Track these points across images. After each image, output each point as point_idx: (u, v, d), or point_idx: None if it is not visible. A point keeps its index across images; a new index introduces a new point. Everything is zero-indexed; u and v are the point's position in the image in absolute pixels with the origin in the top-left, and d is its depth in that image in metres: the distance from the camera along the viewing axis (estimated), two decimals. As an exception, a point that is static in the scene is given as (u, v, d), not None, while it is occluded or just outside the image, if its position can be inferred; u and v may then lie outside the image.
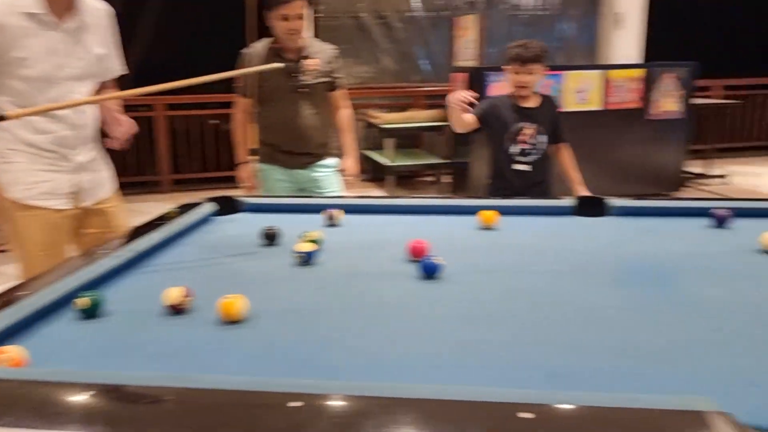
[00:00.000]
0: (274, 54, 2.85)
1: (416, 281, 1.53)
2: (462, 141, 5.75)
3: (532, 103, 2.94)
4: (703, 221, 2.04)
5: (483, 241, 1.92)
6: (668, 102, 5.37)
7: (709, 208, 2.07)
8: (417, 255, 1.64)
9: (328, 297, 1.46)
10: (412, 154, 6.80)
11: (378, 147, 6.80)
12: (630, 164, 5.70)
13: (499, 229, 2.02)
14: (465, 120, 2.85)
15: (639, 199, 2.26)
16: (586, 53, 7.97)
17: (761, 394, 1.00)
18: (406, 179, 7.12)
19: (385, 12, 7.32)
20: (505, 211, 2.13)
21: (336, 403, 0.88)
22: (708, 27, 13.46)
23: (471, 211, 2.13)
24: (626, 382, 1.04)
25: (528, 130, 2.90)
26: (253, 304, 1.31)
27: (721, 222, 2.01)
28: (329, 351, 1.17)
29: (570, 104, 5.16)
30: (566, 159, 3.02)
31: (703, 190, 6.36)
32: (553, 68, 5.59)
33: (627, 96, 5.27)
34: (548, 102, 3.03)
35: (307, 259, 1.65)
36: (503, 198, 2.41)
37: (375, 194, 5.68)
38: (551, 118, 2.97)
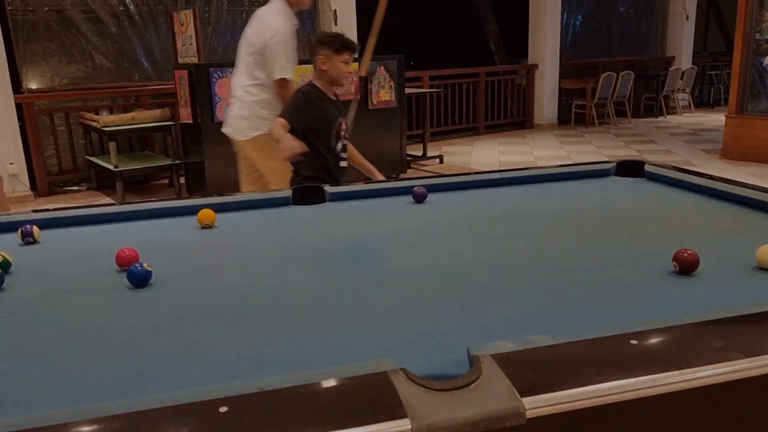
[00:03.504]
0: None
1: (125, 291, 1.45)
2: (193, 140, 5.57)
3: (335, 96, 2.82)
4: (407, 198, 2.27)
5: (200, 242, 1.88)
6: (384, 92, 5.83)
7: (412, 187, 2.30)
8: (124, 264, 1.55)
9: (20, 323, 1.31)
10: (141, 157, 6.38)
11: (104, 152, 6.29)
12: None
13: (218, 227, 2.00)
14: (287, 138, 2.55)
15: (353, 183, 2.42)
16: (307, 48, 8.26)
17: (438, 346, 1.13)
18: (139, 184, 6.66)
19: (92, 5, 6.66)
20: (224, 208, 2.13)
21: None
22: (414, 24, 14.92)
23: (192, 211, 2.08)
24: (329, 358, 1.11)
25: (344, 124, 2.80)
26: None
27: (419, 199, 2.25)
28: (19, 382, 1.05)
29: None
30: (355, 151, 2.99)
31: (424, 170, 7.05)
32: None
33: (349, 88, 5.58)
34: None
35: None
36: None
37: (103, 203, 5.21)
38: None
